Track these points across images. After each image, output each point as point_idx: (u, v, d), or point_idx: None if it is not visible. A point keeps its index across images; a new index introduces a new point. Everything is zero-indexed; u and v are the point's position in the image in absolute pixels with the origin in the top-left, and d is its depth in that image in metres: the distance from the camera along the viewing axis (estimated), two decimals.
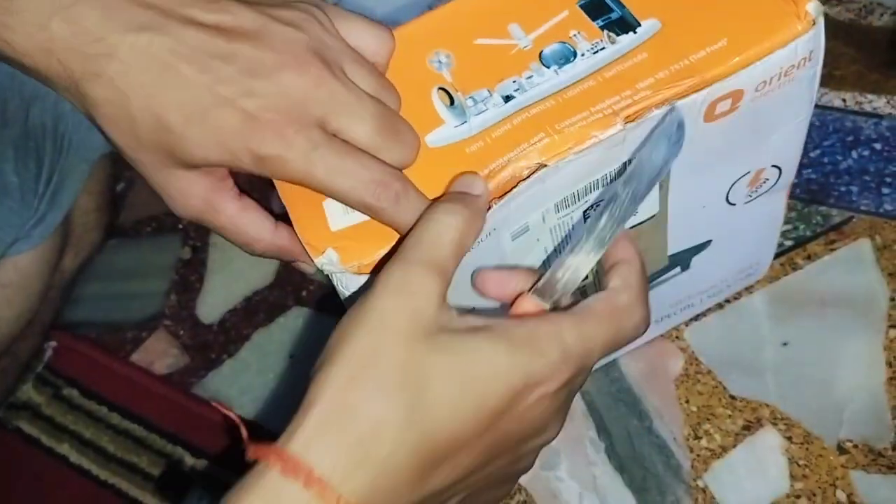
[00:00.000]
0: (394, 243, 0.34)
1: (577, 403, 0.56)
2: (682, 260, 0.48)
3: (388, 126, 0.34)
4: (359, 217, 0.34)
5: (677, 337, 0.57)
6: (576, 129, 0.35)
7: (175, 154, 0.33)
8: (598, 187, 0.37)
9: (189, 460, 0.60)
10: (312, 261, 0.34)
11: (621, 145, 0.35)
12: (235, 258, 0.69)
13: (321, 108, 0.33)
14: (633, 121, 0.34)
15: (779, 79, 0.36)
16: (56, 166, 0.59)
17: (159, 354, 0.65)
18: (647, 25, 0.36)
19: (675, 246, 0.46)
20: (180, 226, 0.71)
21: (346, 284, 0.35)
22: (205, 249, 0.69)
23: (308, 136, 0.32)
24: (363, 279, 0.34)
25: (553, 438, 0.33)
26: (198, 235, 0.70)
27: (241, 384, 0.63)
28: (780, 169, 0.44)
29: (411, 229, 0.32)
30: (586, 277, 0.33)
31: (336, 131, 0.33)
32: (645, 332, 0.34)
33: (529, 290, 0.33)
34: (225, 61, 0.32)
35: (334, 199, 0.34)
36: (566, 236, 0.40)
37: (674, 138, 0.33)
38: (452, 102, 0.36)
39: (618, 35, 0.36)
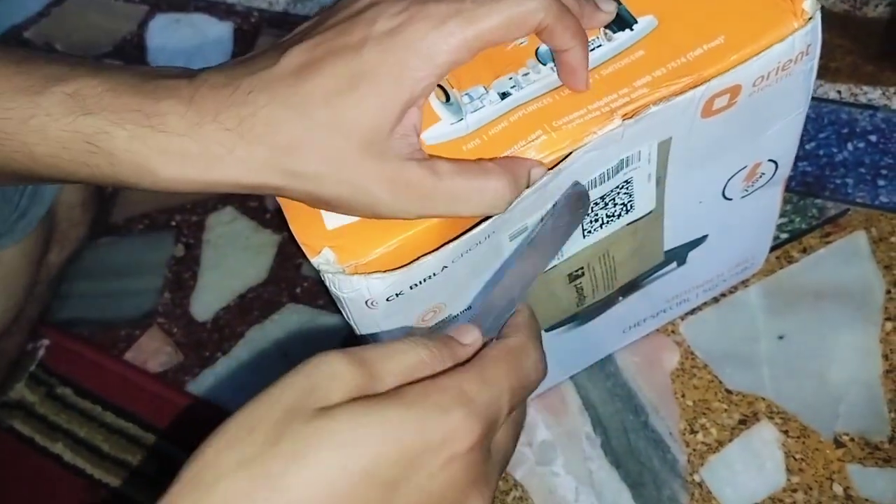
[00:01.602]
0: (390, 242, 0.34)
1: (573, 398, 0.56)
2: (678, 255, 0.48)
3: None
4: (354, 217, 0.34)
5: (673, 331, 0.57)
6: (573, 126, 0.34)
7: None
8: (595, 185, 0.37)
9: (184, 459, 0.59)
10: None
11: (619, 142, 0.35)
12: (229, 255, 0.68)
13: None
14: (630, 118, 0.34)
15: (776, 73, 0.36)
16: None
17: (153, 352, 0.65)
18: (644, 22, 0.36)
19: (671, 242, 0.46)
20: (173, 223, 0.71)
21: (340, 286, 0.34)
22: (198, 246, 0.69)
23: None
24: (356, 280, 0.34)
25: None
26: (191, 232, 0.70)
27: (235, 382, 0.62)
28: (776, 163, 0.44)
29: None
30: None
31: None
32: (545, 375, 0.31)
33: None
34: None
35: None
36: None
37: (577, 208, 0.36)
38: (448, 99, 0.35)
39: (614, 32, 0.36)
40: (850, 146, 0.61)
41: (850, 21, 0.66)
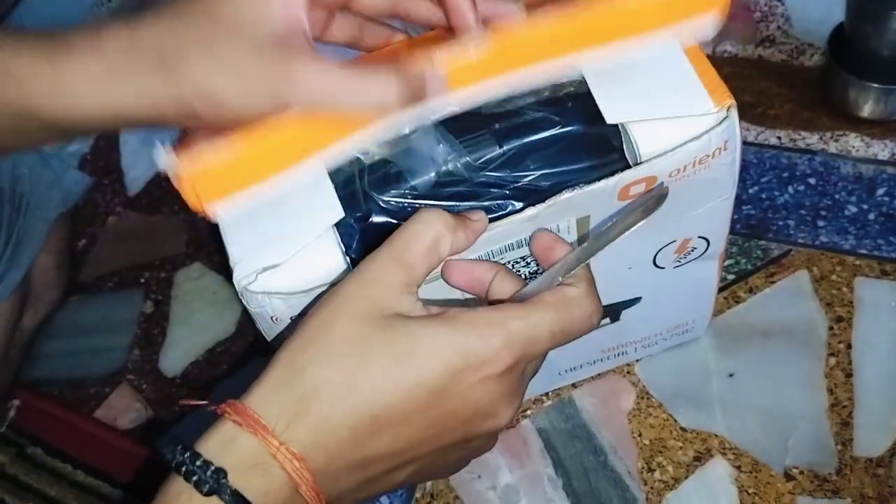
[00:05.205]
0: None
1: (535, 441, 0.57)
2: (612, 312, 0.50)
3: None
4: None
5: (629, 372, 0.59)
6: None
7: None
8: (512, 249, 0.39)
9: None
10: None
11: (534, 220, 0.37)
12: (197, 311, 0.69)
13: None
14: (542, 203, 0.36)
15: (693, 166, 0.37)
16: (14, 227, 0.60)
17: (123, 409, 0.66)
18: None
19: (602, 299, 0.48)
20: (142, 279, 0.72)
21: (248, 301, 0.37)
22: (167, 303, 0.70)
23: None
24: (261, 298, 0.36)
25: (507, 422, 0.35)
26: (160, 289, 0.71)
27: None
28: (707, 240, 0.45)
29: (400, 226, 0.35)
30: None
31: None
32: (598, 324, 0.36)
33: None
34: None
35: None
36: None
37: (649, 209, 0.36)
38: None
39: None
40: (790, 189, 0.64)
41: (788, 70, 0.70)
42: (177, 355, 0.68)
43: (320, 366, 0.31)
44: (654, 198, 0.36)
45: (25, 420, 0.66)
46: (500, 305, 0.34)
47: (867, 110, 0.65)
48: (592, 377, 0.59)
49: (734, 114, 0.37)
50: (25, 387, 0.67)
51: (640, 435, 0.56)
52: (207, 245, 0.72)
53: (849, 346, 0.57)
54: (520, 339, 0.32)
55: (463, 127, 0.39)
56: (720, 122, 0.36)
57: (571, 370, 0.56)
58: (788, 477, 0.53)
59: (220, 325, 0.68)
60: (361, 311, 0.32)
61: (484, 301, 0.38)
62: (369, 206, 0.39)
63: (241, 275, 0.36)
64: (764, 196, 0.64)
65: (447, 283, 0.37)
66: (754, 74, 0.69)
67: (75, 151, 0.81)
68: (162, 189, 0.77)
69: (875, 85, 0.62)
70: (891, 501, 0.51)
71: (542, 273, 0.37)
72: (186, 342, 0.68)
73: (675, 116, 0.36)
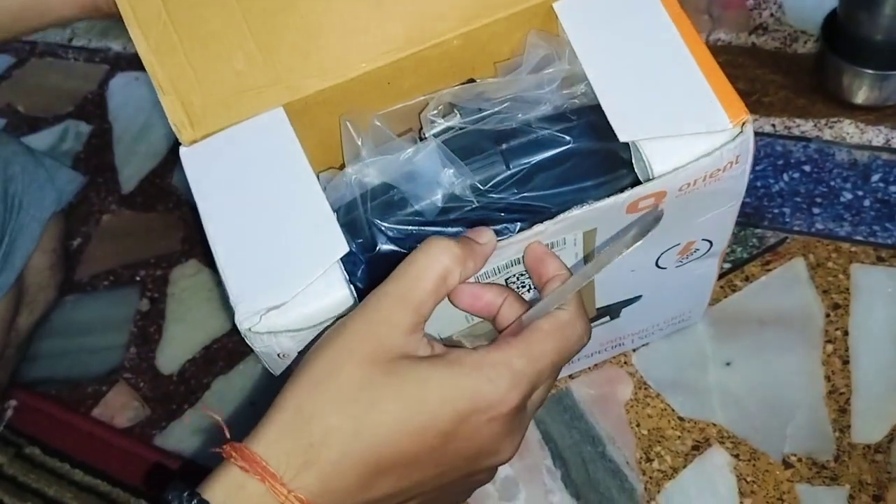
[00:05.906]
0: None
1: (533, 433, 0.57)
2: (612, 311, 0.50)
3: None
4: None
5: (625, 362, 0.58)
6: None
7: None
8: (517, 263, 0.38)
9: None
10: None
11: (542, 234, 0.37)
12: (193, 308, 0.69)
13: None
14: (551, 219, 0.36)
15: (704, 180, 0.37)
16: (7, 227, 0.59)
17: (120, 408, 0.66)
18: None
19: (603, 300, 0.48)
20: (137, 278, 0.72)
21: (253, 342, 0.36)
22: (163, 300, 0.70)
23: None
24: (267, 338, 0.35)
25: (510, 458, 0.35)
26: (155, 287, 0.71)
27: (202, 434, 0.63)
28: (711, 242, 0.45)
29: (407, 256, 0.33)
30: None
31: None
32: (588, 341, 0.35)
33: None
34: None
35: None
36: None
37: (646, 229, 0.35)
38: None
39: None
40: (785, 177, 0.64)
41: (782, 57, 0.69)
42: (173, 353, 0.67)
43: (328, 413, 0.31)
44: (649, 220, 0.35)
45: (23, 420, 0.66)
46: (502, 343, 0.33)
47: (861, 96, 0.64)
48: (589, 368, 0.59)
49: (749, 129, 0.36)
50: (23, 387, 0.67)
51: (637, 425, 0.56)
52: (202, 242, 0.72)
53: (846, 333, 0.57)
54: (526, 377, 0.32)
55: (468, 147, 0.38)
56: (734, 138, 0.35)
57: (569, 363, 0.56)
58: (787, 464, 0.53)
59: (217, 322, 0.68)
60: (368, 354, 0.32)
61: (492, 334, 0.37)
62: (373, 233, 0.38)
63: (244, 316, 0.35)
64: (759, 184, 0.64)
65: (454, 305, 0.36)
66: (748, 62, 0.69)
67: (68, 150, 0.80)
68: (156, 187, 0.77)
69: (869, 71, 0.62)
70: (889, 487, 0.51)
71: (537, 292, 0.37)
72: (183, 339, 0.68)
73: (692, 134, 0.35)
